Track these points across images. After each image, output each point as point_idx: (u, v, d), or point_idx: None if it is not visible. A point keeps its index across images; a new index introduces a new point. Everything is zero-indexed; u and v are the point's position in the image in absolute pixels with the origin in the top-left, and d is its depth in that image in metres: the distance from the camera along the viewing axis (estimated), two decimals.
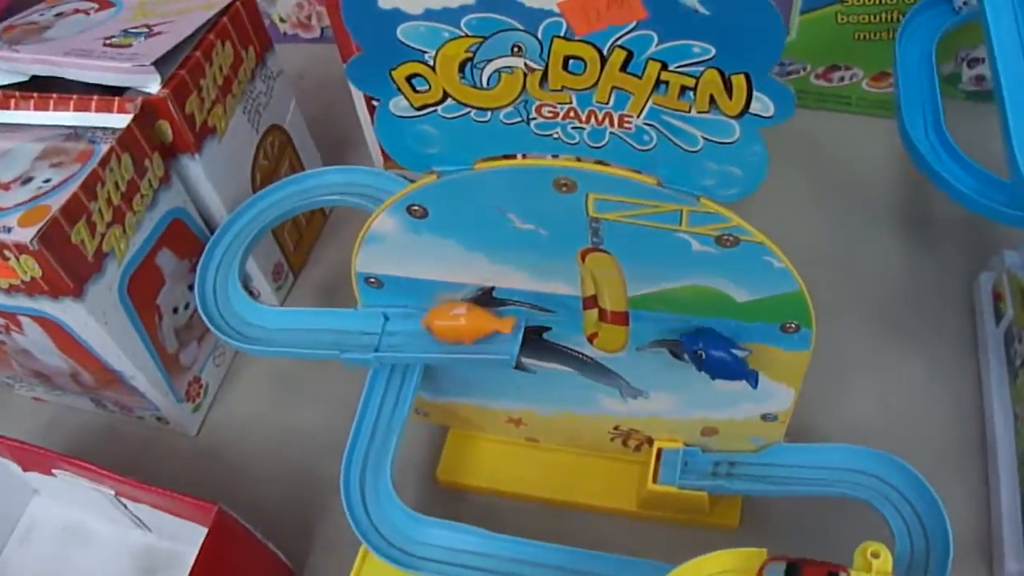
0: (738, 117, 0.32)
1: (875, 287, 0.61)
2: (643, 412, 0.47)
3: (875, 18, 0.65)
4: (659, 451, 0.49)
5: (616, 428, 0.50)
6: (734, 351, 0.40)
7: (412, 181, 0.38)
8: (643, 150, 0.34)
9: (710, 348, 0.40)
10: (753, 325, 0.39)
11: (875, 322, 0.59)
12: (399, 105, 0.35)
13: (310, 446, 0.57)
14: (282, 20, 0.85)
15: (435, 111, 0.35)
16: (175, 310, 0.55)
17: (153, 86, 0.49)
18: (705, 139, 0.33)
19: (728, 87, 0.31)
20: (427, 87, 0.34)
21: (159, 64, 0.49)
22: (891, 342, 0.58)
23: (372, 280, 0.43)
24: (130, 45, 0.51)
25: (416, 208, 0.38)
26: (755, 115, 0.32)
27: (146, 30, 0.52)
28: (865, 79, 0.70)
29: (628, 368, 0.45)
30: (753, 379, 0.40)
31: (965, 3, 0.57)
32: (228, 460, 0.57)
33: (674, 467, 0.48)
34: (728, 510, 0.50)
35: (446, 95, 0.34)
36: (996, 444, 0.50)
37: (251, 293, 0.61)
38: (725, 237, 0.35)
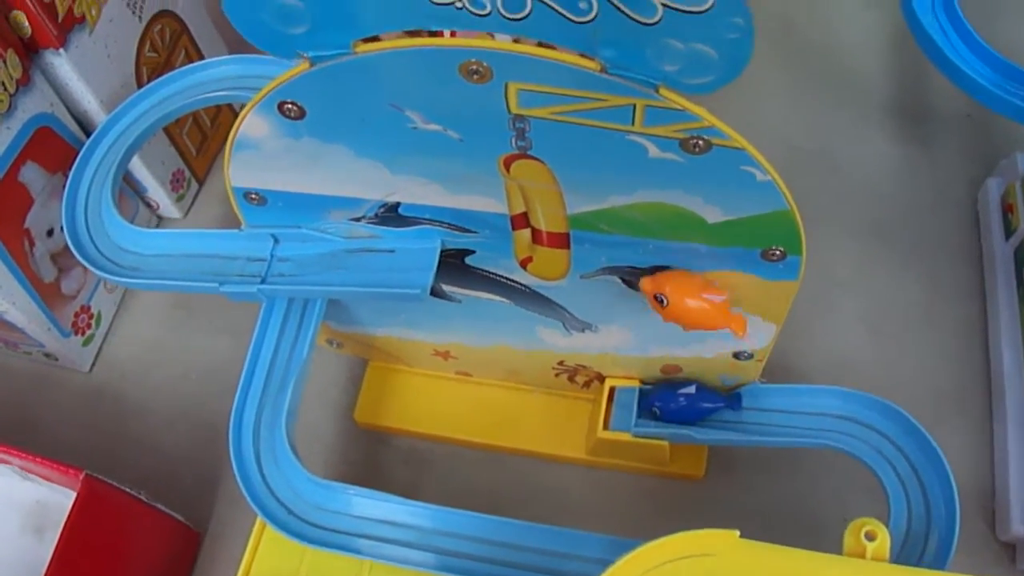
0: None
1: (863, 194, 0.58)
2: (591, 348, 0.44)
3: None
4: (611, 390, 0.46)
5: (561, 363, 0.46)
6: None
7: None
8: (580, 22, 0.28)
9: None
10: (727, 250, 0.35)
11: (863, 235, 0.56)
12: None
13: (216, 381, 0.54)
14: None
15: None
16: (50, 233, 0.51)
17: None
18: (666, 6, 0.27)
19: None
20: None
21: None
22: (882, 259, 0.56)
23: (253, 196, 0.38)
24: None
25: (290, 106, 0.33)
26: None
27: None
28: None
29: (572, 298, 0.41)
30: (735, 403, 0.42)
31: None
32: (125, 399, 0.54)
33: (629, 410, 0.44)
34: (692, 460, 0.48)
35: None
36: (1004, 382, 0.48)
37: (148, 206, 0.58)
38: (693, 140, 0.30)
